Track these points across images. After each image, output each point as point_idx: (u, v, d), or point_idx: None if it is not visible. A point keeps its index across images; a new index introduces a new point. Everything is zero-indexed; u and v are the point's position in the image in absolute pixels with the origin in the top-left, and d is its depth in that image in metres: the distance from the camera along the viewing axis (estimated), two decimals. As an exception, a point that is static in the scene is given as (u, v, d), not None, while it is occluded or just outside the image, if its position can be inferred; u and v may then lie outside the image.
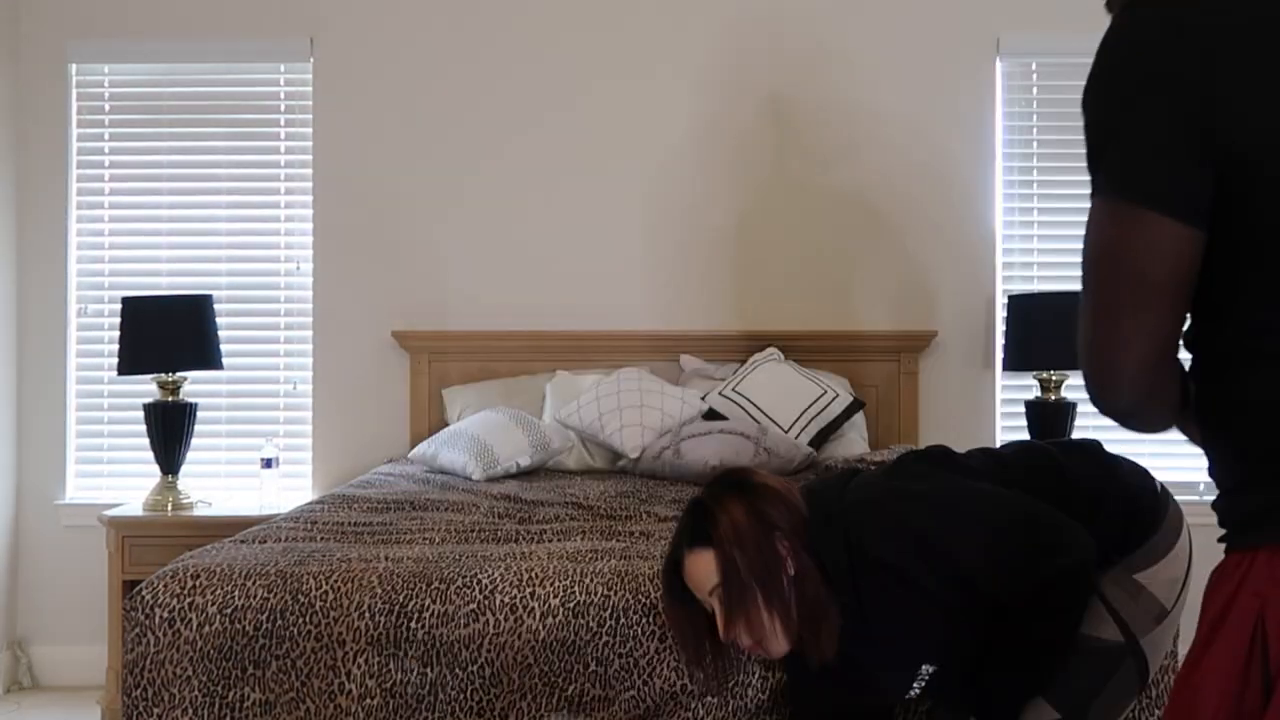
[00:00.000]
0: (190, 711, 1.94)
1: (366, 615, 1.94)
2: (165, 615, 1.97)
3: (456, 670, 1.91)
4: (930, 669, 1.69)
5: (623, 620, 1.94)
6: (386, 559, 2.11)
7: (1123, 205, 1.01)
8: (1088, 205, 1.07)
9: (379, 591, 1.97)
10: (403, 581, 1.99)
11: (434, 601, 1.96)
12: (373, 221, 3.97)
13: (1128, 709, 1.72)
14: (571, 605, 1.95)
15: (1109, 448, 1.84)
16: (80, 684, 3.89)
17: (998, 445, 3.99)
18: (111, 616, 3.40)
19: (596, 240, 3.93)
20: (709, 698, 1.84)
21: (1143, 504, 1.71)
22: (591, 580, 1.99)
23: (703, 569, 1.66)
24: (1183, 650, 1.20)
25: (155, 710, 1.95)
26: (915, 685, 1.70)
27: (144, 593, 2.00)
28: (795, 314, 3.93)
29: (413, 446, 3.81)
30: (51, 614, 3.95)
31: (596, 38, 3.98)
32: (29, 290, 3.97)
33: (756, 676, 1.89)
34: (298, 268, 4.01)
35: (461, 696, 1.90)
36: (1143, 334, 1.01)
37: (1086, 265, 1.05)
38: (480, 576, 2.00)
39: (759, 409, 3.46)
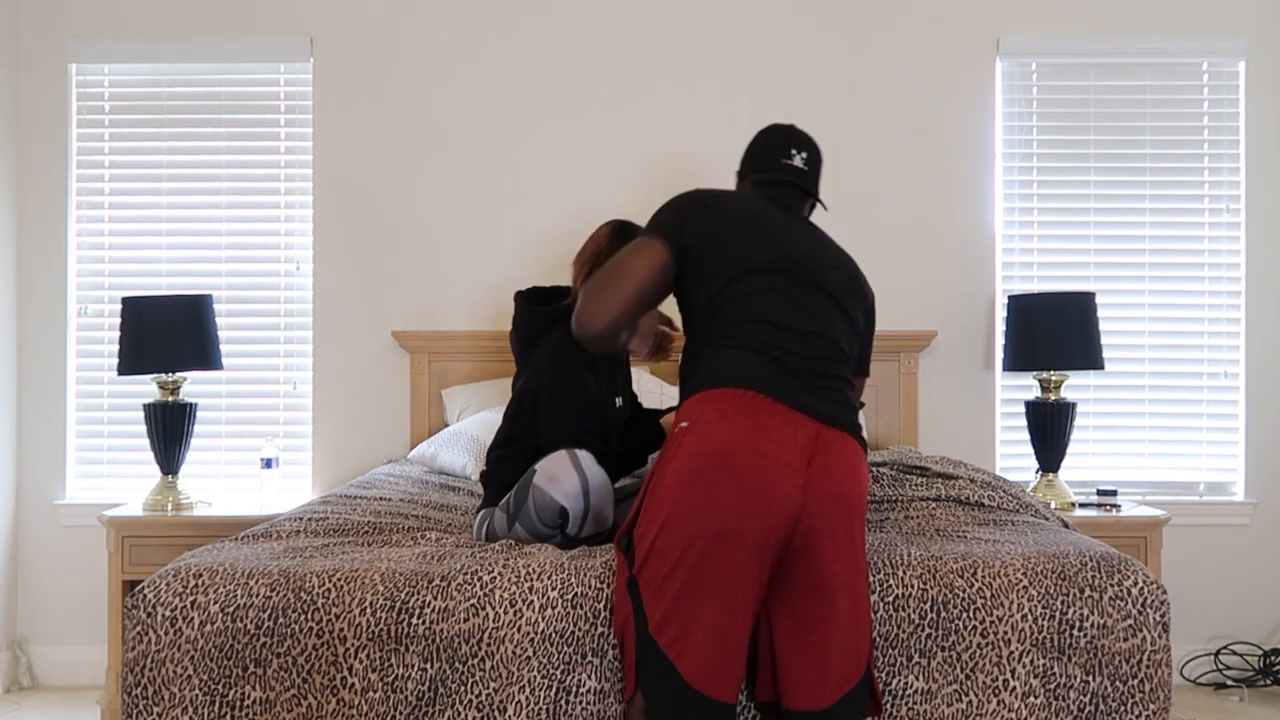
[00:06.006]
0: (190, 710, 1.95)
1: (369, 611, 1.95)
2: (167, 614, 1.97)
3: (456, 664, 1.92)
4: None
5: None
6: (388, 559, 2.12)
7: (644, 237, 2.14)
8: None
9: (381, 589, 1.98)
10: (404, 579, 2.00)
11: (435, 598, 1.97)
12: (372, 221, 3.98)
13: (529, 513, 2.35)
14: (569, 597, 1.97)
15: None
16: (80, 684, 3.90)
17: (996, 446, 3.99)
18: (111, 616, 3.40)
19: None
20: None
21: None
22: (587, 574, 2.01)
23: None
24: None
25: (155, 709, 1.95)
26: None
27: (146, 591, 2.00)
28: (795, 314, 3.92)
29: (413, 446, 3.82)
30: (51, 614, 3.96)
31: (599, 42, 3.99)
32: (29, 290, 3.98)
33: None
34: (298, 268, 4.02)
35: (461, 689, 1.92)
36: (624, 297, 2.06)
37: (607, 267, 2.11)
38: (481, 573, 2.01)
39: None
